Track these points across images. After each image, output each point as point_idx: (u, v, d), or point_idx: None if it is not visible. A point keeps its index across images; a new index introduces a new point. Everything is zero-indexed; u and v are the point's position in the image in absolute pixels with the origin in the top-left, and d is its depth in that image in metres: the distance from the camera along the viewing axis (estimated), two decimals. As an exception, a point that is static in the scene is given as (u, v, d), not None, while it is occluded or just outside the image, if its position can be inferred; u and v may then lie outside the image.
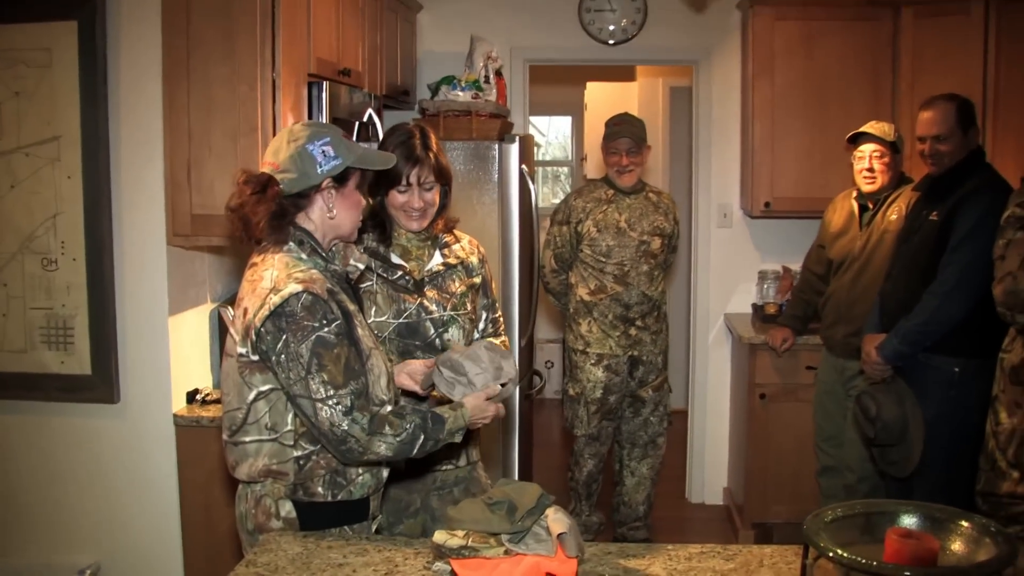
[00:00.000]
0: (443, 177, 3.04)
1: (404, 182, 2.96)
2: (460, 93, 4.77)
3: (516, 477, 4.70)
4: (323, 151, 2.40)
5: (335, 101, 3.87)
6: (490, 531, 2.09)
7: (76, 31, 3.46)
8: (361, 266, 2.60)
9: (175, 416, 3.65)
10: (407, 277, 3.02)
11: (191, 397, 3.75)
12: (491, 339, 3.11)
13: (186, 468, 3.67)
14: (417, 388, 2.78)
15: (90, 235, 3.55)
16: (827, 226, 4.77)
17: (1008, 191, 3.69)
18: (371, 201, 2.95)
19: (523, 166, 4.64)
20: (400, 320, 2.98)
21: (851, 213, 4.62)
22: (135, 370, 3.65)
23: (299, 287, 2.30)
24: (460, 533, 2.10)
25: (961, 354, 3.79)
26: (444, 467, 3.11)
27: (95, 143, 3.51)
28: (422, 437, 2.40)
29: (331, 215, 2.46)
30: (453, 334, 3.05)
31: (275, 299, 2.30)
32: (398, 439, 2.35)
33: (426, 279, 3.05)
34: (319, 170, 2.40)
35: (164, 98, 3.47)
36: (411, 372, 2.80)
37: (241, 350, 2.38)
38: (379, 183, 2.99)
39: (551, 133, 10.12)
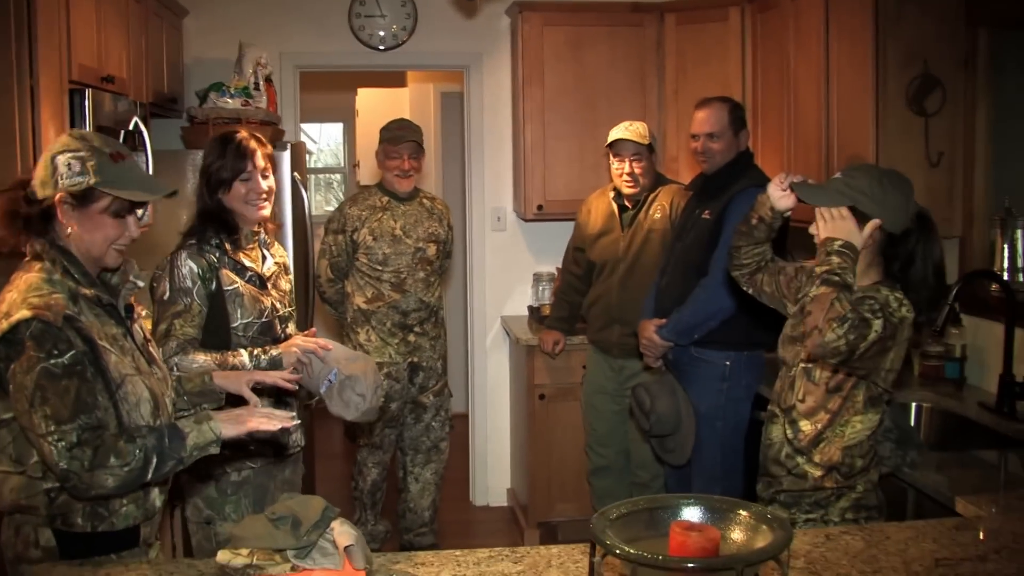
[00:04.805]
0: (274, 168, 3.29)
1: (249, 166, 3.14)
2: (229, 100, 4.67)
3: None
4: (68, 164, 2.26)
5: (99, 109, 3.67)
6: (275, 547, 2.01)
7: None
8: (141, 283, 2.48)
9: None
10: (255, 277, 3.20)
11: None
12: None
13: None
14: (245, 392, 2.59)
15: None
16: (584, 227, 4.83)
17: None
18: (205, 201, 3.15)
19: (295, 174, 4.56)
20: (263, 319, 3.18)
21: (611, 214, 4.69)
22: None
23: (29, 313, 2.17)
24: (244, 551, 2.01)
25: (731, 348, 3.96)
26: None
27: None
28: (155, 459, 2.20)
29: (67, 232, 2.31)
30: (292, 329, 3.32)
31: (4, 325, 2.17)
32: (126, 468, 2.16)
33: (267, 278, 3.25)
34: (57, 182, 2.26)
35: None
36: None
37: None
38: (219, 180, 3.13)
39: (323, 140, 9.98)
